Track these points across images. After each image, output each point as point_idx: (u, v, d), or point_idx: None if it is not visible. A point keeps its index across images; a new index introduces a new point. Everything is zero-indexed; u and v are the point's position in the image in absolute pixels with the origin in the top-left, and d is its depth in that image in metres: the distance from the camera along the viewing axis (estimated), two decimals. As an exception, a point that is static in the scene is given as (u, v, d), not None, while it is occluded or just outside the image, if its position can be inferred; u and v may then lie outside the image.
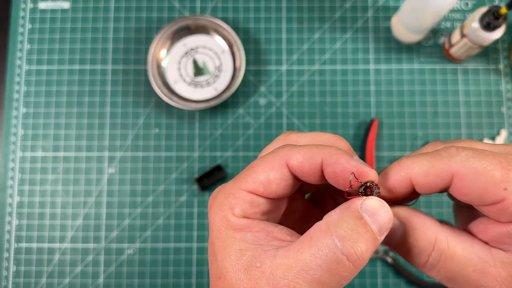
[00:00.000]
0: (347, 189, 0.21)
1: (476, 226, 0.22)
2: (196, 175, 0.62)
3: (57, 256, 0.60)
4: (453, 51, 0.61)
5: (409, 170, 0.21)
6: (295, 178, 0.23)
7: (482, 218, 0.22)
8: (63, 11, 0.66)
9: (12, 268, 0.60)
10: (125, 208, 0.61)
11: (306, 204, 0.27)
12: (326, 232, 0.20)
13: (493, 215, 0.21)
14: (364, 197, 0.21)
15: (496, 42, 0.64)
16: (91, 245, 0.61)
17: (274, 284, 0.20)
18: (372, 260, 0.60)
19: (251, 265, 0.21)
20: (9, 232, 0.61)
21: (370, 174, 0.21)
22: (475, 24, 0.54)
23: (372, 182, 0.21)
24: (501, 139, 0.62)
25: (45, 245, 0.61)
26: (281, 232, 0.22)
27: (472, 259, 0.20)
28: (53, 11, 0.66)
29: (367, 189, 0.21)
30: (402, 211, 0.22)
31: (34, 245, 0.61)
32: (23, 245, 0.61)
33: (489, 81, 0.63)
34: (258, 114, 0.63)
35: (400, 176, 0.22)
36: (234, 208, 0.22)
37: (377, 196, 0.21)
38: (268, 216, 0.23)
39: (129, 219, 0.61)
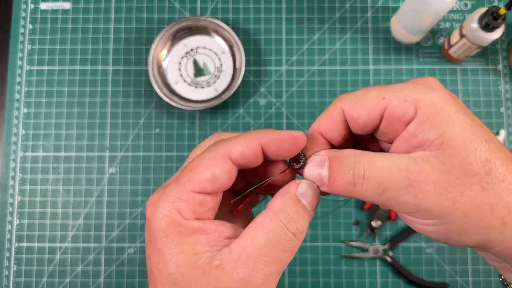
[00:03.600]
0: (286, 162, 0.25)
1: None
2: (197, 175, 0.62)
3: (58, 256, 0.61)
4: (452, 51, 0.61)
5: (313, 126, 0.25)
6: (237, 168, 0.24)
7: (390, 149, 0.24)
8: (64, 11, 0.66)
9: (13, 268, 0.61)
10: (126, 208, 0.62)
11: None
12: (274, 218, 0.23)
13: (391, 131, 0.23)
14: (298, 182, 0.24)
15: (495, 42, 0.64)
16: (92, 245, 0.61)
17: (237, 277, 0.21)
18: (371, 260, 0.60)
19: (210, 266, 0.22)
20: (10, 231, 0.61)
21: (299, 134, 0.24)
22: (474, 25, 0.55)
23: (301, 153, 0.25)
24: (500, 139, 0.62)
25: (46, 244, 0.61)
26: (229, 230, 0.24)
27: (393, 160, 0.22)
28: (54, 11, 0.66)
29: (297, 158, 0.25)
30: (327, 150, 0.24)
31: (35, 244, 0.61)
32: (24, 244, 0.61)
33: (488, 81, 0.64)
34: (258, 114, 0.63)
35: (310, 133, 0.25)
36: (183, 212, 0.22)
37: (304, 161, 0.25)
38: (214, 210, 0.24)
39: (129, 219, 0.61)
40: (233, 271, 0.22)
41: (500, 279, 0.28)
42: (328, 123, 0.24)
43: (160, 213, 0.22)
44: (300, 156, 0.25)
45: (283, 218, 0.23)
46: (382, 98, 0.22)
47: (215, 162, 0.23)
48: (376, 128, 0.24)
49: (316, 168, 0.24)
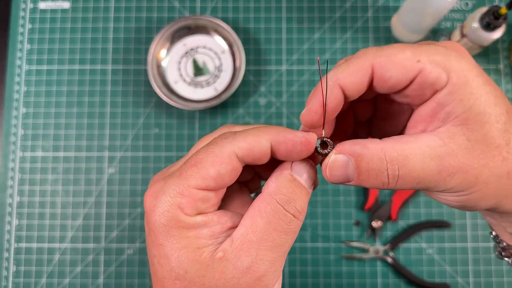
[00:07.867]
0: (312, 154, 0.23)
1: (412, 126, 0.23)
2: (196, 175, 0.62)
3: (57, 256, 0.60)
4: (453, 51, 0.61)
5: (336, 76, 0.23)
6: (242, 165, 0.23)
7: (413, 116, 0.23)
8: (63, 11, 0.66)
9: (12, 268, 0.60)
10: (125, 208, 0.61)
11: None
12: (271, 201, 0.22)
13: (417, 95, 0.22)
14: (293, 161, 0.23)
15: (496, 42, 0.64)
16: (91, 245, 0.61)
17: (241, 266, 0.21)
18: (372, 260, 0.60)
19: (213, 259, 0.21)
20: (9, 232, 0.61)
21: (313, 137, 0.23)
22: (475, 24, 0.55)
23: (325, 138, 0.23)
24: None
25: (45, 245, 0.61)
26: (232, 219, 0.23)
27: (424, 150, 0.21)
28: (53, 11, 0.66)
29: (323, 145, 0.23)
30: (347, 145, 0.22)
31: (34, 245, 0.61)
32: (23, 245, 0.61)
33: (489, 81, 0.64)
34: (258, 114, 0.63)
35: (331, 83, 0.23)
36: (185, 208, 0.22)
37: (333, 146, 0.23)
38: (217, 204, 0.24)
39: (129, 219, 0.61)
40: (236, 261, 0.21)
41: (492, 236, 0.29)
42: (355, 78, 0.22)
43: (160, 207, 0.22)
44: (328, 142, 0.23)
45: (280, 199, 0.22)
46: (417, 61, 0.21)
47: (220, 159, 0.22)
48: (401, 90, 0.23)
49: (339, 169, 0.23)
